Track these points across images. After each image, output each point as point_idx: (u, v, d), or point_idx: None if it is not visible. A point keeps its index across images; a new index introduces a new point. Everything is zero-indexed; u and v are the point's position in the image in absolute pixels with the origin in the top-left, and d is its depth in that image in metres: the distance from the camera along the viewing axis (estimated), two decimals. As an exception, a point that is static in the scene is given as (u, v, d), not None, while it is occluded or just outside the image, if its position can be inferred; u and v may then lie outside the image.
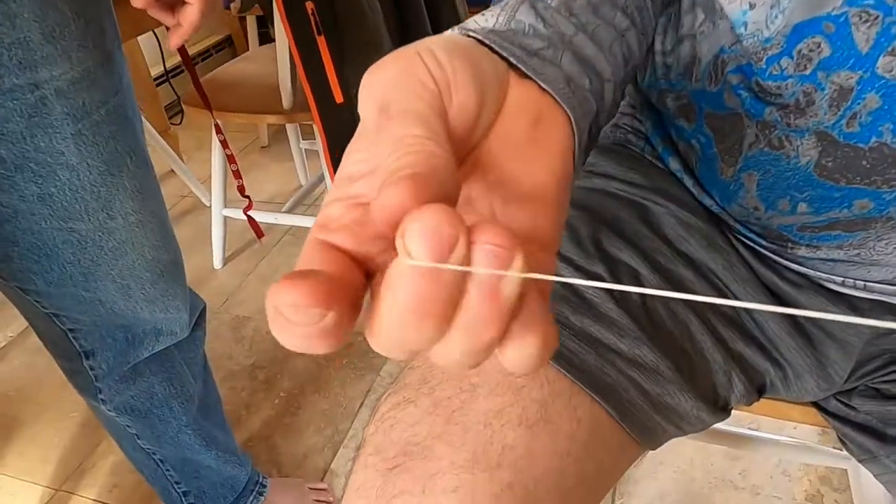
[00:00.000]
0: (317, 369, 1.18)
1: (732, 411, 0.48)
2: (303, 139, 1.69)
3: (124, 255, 0.59)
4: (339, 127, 1.12)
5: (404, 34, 1.18)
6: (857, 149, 0.32)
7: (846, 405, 0.42)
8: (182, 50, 0.87)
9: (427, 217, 0.13)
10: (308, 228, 0.18)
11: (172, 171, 1.74)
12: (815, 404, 0.45)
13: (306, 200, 1.66)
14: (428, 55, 0.19)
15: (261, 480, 0.89)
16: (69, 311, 0.61)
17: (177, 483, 0.80)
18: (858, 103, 0.31)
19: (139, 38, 1.78)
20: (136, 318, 0.64)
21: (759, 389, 0.43)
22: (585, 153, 0.25)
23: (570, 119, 0.22)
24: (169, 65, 2.12)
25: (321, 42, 1.03)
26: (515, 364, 0.16)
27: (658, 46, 0.44)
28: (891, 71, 0.30)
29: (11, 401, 1.17)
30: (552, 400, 0.34)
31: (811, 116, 0.33)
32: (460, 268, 0.14)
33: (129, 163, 0.56)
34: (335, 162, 1.16)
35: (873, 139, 0.31)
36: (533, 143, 0.20)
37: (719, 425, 0.64)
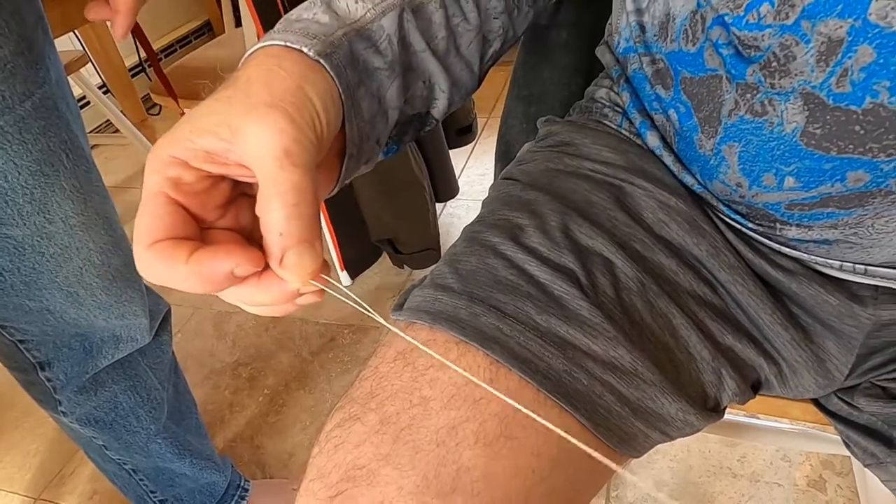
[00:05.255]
0: (301, 364, 1.15)
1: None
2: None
3: (68, 261, 0.54)
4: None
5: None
6: (849, 112, 0.28)
7: (849, 404, 0.38)
8: (142, 38, 0.82)
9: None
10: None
11: (151, 164, 1.69)
12: (816, 402, 0.41)
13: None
14: (315, 116, 0.25)
15: (242, 484, 0.86)
16: (16, 322, 0.57)
17: (152, 492, 0.77)
18: (849, 57, 0.27)
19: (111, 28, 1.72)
20: (91, 327, 0.60)
21: (753, 387, 0.39)
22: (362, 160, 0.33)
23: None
24: (144, 54, 2.06)
25: (289, 23, 0.98)
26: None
27: (630, 5, 0.40)
28: (885, 17, 0.25)
29: (-11, 408, 1.14)
30: (514, 412, 0.30)
31: (796, 75, 0.29)
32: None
33: (64, 160, 0.51)
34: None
35: (868, 100, 0.27)
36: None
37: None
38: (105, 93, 1.81)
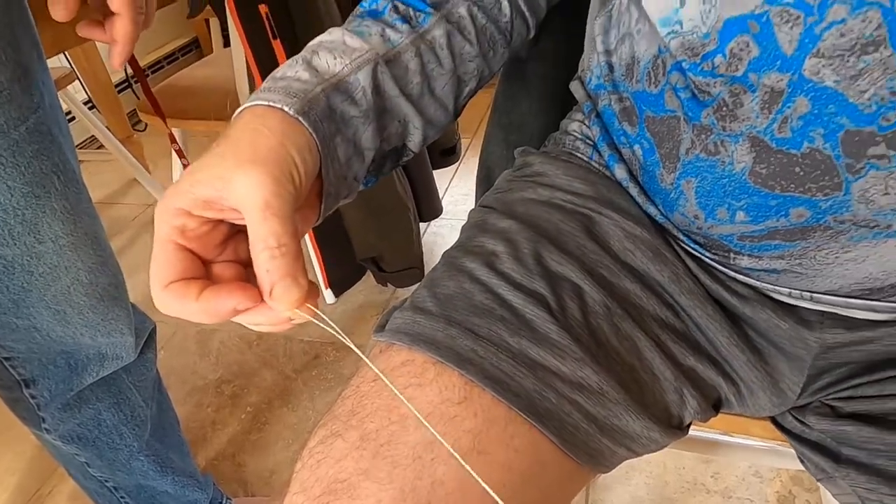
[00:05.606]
0: (285, 382, 1.15)
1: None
2: (270, 145, 1.65)
3: (57, 280, 0.56)
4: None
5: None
6: (790, 155, 0.31)
7: (801, 422, 0.41)
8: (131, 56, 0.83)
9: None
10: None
11: (137, 179, 1.69)
12: (773, 420, 0.44)
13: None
14: (294, 168, 0.29)
15: (223, 502, 0.86)
16: (2, 340, 0.58)
17: (133, 510, 0.77)
18: (789, 107, 0.30)
19: (98, 43, 1.73)
20: (76, 344, 0.61)
21: (715, 405, 0.41)
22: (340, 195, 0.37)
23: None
24: (131, 71, 2.07)
25: (277, 46, 1.00)
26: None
27: (600, 46, 0.43)
28: (817, 73, 0.28)
29: (-33, 426, 1.12)
30: (486, 429, 0.32)
31: (744, 120, 0.31)
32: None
33: (56, 183, 0.53)
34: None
35: (805, 145, 0.30)
36: None
37: (691, 432, 0.63)
38: (90, 108, 1.81)
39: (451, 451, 0.30)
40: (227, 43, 1.88)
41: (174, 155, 1.31)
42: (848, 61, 0.27)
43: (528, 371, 0.34)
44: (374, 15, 0.39)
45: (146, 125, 2.09)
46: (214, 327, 1.30)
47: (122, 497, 0.75)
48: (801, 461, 0.42)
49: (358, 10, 0.40)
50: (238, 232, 0.31)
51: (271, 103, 0.31)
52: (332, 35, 0.37)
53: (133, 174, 1.66)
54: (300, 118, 0.31)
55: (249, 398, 1.13)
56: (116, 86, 1.93)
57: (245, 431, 1.07)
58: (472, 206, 0.48)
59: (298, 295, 0.27)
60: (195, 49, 2.56)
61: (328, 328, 0.30)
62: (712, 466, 0.92)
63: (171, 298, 0.27)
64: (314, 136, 0.31)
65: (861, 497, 0.36)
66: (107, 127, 1.69)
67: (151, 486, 0.76)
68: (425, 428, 0.32)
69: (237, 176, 0.27)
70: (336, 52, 0.35)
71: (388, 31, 0.38)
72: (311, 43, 0.37)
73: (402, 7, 0.39)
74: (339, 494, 0.30)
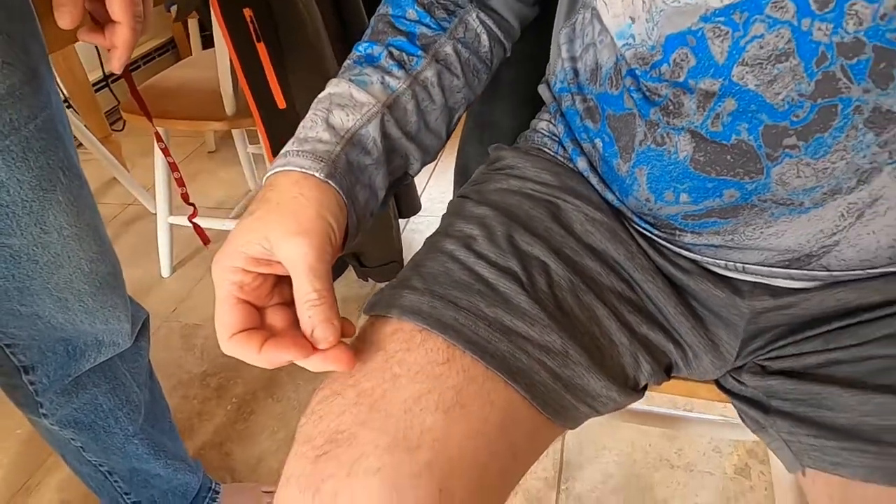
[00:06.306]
0: (269, 373, 1.19)
1: (662, 395, 0.52)
2: (250, 144, 1.68)
3: (60, 269, 0.59)
4: (284, 132, 1.12)
5: (344, 36, 1.20)
6: (721, 145, 0.36)
7: (738, 381, 0.47)
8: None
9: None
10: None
11: (116, 178, 1.71)
12: (717, 382, 0.50)
13: (256, 206, 1.65)
14: (331, 232, 0.36)
15: (213, 487, 0.90)
16: (5, 327, 0.61)
17: (126, 494, 0.80)
18: (719, 105, 0.35)
19: (76, 43, 1.73)
20: (76, 331, 0.64)
21: (666, 370, 0.47)
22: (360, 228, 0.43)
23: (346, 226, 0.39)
24: (108, 69, 2.07)
25: (261, 49, 1.04)
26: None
27: (565, 54, 0.48)
28: (742, 79, 0.34)
29: (-50, 422, 1.13)
30: (467, 385, 0.37)
31: (684, 117, 0.37)
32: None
33: (61, 177, 0.56)
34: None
35: (734, 137, 0.36)
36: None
37: (656, 408, 0.69)
38: (67, 107, 1.81)
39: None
40: (206, 44, 1.90)
41: (157, 154, 1.33)
42: (766, 69, 0.33)
43: (502, 336, 0.39)
44: (371, 61, 0.44)
45: (124, 124, 2.09)
46: (198, 322, 1.33)
47: (115, 481, 0.78)
48: (741, 417, 0.48)
49: (354, 54, 0.45)
50: (281, 279, 0.37)
51: (304, 170, 0.37)
52: (340, 87, 0.42)
53: (112, 173, 1.67)
54: (330, 182, 0.37)
55: (235, 390, 1.17)
56: (94, 85, 1.94)
57: (231, 422, 1.11)
58: (448, 202, 0.53)
59: (334, 336, 0.34)
60: (171, 49, 2.56)
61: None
62: (676, 443, 0.98)
63: (236, 348, 0.34)
64: (341, 194, 0.38)
65: (786, 441, 0.42)
66: (85, 126, 1.69)
67: (145, 469, 0.79)
68: (415, 384, 0.36)
69: (287, 244, 0.34)
70: (347, 108, 0.41)
71: (388, 79, 0.43)
72: (321, 96, 0.43)
73: (396, 52, 0.44)
74: (341, 443, 0.35)
